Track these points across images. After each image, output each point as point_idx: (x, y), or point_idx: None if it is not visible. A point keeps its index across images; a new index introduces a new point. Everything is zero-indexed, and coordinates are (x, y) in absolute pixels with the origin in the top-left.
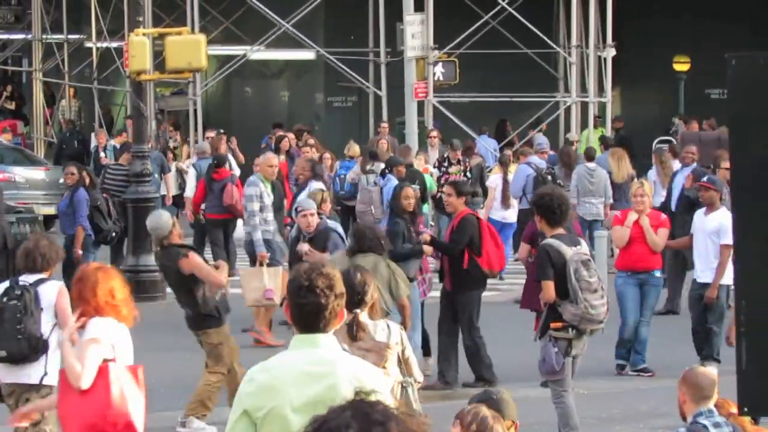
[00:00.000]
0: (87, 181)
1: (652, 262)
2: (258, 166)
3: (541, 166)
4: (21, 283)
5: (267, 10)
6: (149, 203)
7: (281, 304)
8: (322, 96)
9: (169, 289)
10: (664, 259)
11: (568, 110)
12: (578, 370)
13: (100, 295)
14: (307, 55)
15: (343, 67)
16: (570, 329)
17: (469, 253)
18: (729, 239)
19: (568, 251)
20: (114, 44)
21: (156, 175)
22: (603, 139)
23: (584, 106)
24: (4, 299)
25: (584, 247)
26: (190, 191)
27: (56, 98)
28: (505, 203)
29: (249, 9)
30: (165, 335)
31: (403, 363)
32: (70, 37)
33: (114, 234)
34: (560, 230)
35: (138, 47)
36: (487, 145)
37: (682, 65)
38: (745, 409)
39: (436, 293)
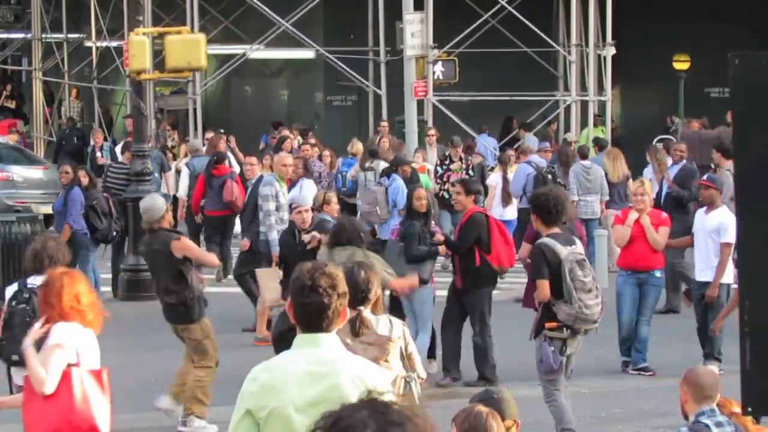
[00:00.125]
0: (86, 180)
1: (653, 261)
2: (248, 166)
3: (542, 165)
4: (29, 285)
5: (266, 9)
6: None
7: None
8: (322, 95)
9: None
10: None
11: (567, 109)
12: (579, 369)
13: (65, 300)
14: (307, 54)
15: (343, 66)
16: (565, 329)
17: (479, 251)
18: (729, 238)
19: (563, 251)
20: (113, 43)
21: (156, 174)
22: (596, 141)
23: (584, 105)
24: (13, 303)
25: (579, 246)
26: (182, 191)
27: (55, 97)
28: (505, 201)
29: (248, 8)
30: (164, 334)
31: (406, 358)
32: (69, 36)
33: (115, 233)
34: (556, 230)
35: (138, 46)
36: (486, 144)
37: (681, 64)
38: (749, 409)
39: (440, 292)
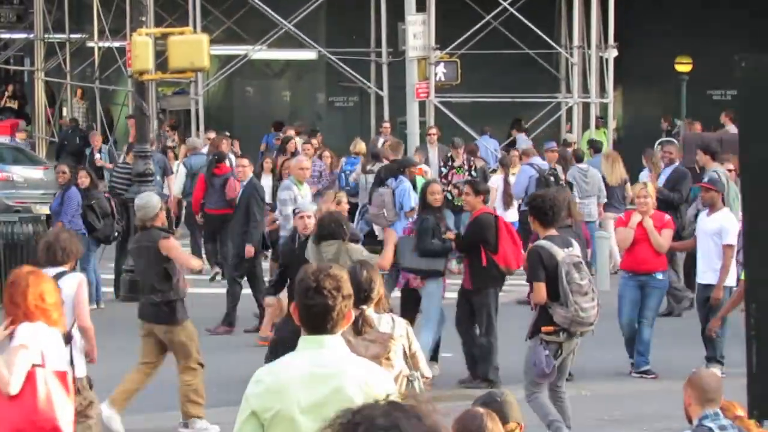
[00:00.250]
0: (87, 180)
1: (655, 263)
2: (240, 168)
3: (544, 167)
4: None
5: (269, 10)
6: None
7: None
8: (324, 96)
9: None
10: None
11: (569, 111)
12: (581, 371)
13: (30, 299)
14: (309, 54)
15: (345, 67)
16: (561, 333)
17: (486, 252)
18: (730, 240)
19: (560, 253)
20: (116, 44)
21: (158, 177)
22: (591, 143)
23: (586, 107)
24: None
25: (576, 249)
26: (177, 189)
27: (57, 98)
28: (506, 204)
29: (251, 9)
30: None
31: (409, 357)
32: (71, 36)
33: (116, 234)
34: (553, 232)
35: (141, 47)
36: (487, 146)
37: (684, 66)
38: (755, 413)
39: (451, 294)
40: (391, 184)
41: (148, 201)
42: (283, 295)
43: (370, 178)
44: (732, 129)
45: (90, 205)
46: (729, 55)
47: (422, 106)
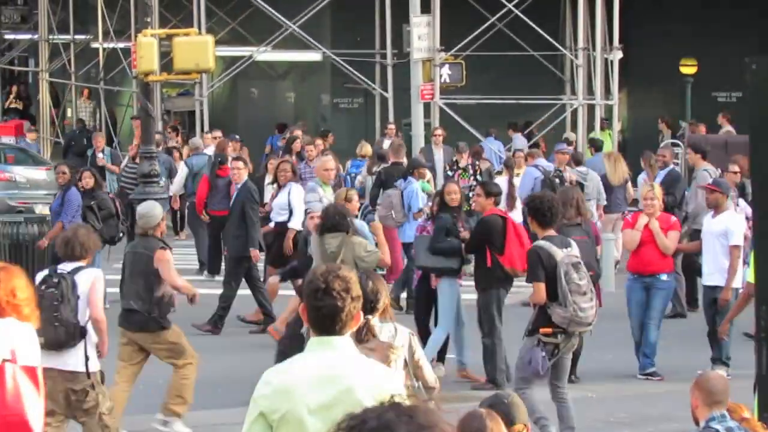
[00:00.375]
0: (91, 181)
1: (661, 265)
2: (235, 170)
3: (549, 168)
4: (59, 271)
5: (273, 11)
6: None
7: None
8: (329, 97)
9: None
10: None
11: (574, 113)
12: (587, 372)
13: (1, 294)
14: (314, 56)
15: (350, 68)
16: (558, 335)
17: (491, 253)
18: (736, 240)
19: (558, 253)
20: (120, 45)
21: (164, 178)
22: (592, 142)
23: (591, 109)
24: (42, 287)
25: (575, 249)
26: (176, 186)
27: (61, 99)
28: (510, 205)
29: (255, 10)
30: None
31: (411, 367)
32: (76, 37)
33: (122, 234)
34: (551, 232)
35: (146, 48)
36: (492, 147)
37: (689, 68)
38: (766, 414)
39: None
40: (400, 185)
41: (151, 210)
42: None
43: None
44: (729, 129)
45: (90, 206)
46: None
47: (427, 107)
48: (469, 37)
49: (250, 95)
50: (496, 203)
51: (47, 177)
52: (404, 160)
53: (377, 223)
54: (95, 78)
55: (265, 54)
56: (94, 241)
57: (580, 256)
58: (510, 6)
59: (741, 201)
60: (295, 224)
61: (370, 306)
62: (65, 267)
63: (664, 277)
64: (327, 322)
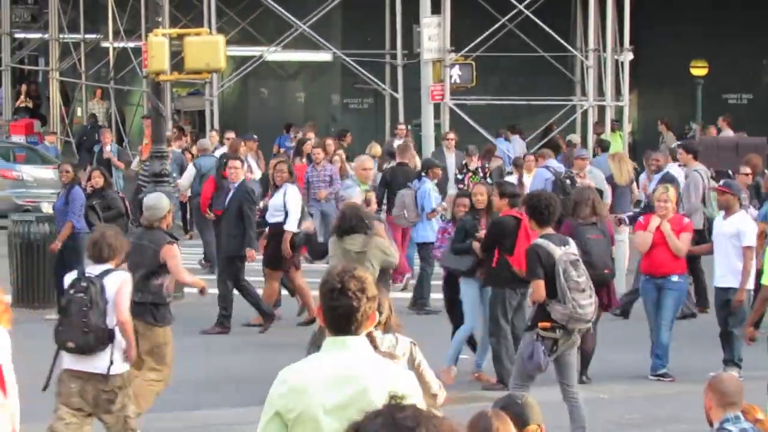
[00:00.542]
0: (101, 180)
1: (673, 267)
2: (232, 169)
3: (560, 170)
4: (87, 274)
5: (284, 12)
6: None
7: None
8: (339, 97)
9: (188, 289)
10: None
11: (585, 114)
12: (598, 373)
13: None
14: (324, 56)
15: (360, 68)
16: (557, 330)
17: (500, 253)
18: (749, 241)
19: (557, 251)
20: (131, 44)
21: (175, 175)
22: (599, 142)
23: (601, 110)
24: (71, 291)
25: (573, 247)
26: (184, 181)
27: (70, 98)
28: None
29: (266, 10)
30: (184, 336)
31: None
32: (86, 36)
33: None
34: (549, 230)
35: (157, 47)
36: (502, 147)
37: (699, 70)
38: None
39: None
40: (414, 185)
41: (158, 201)
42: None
43: None
44: (729, 133)
45: (92, 205)
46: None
47: (437, 108)
48: (480, 38)
49: (260, 95)
50: (512, 204)
51: (54, 176)
52: (415, 161)
53: (378, 222)
54: (105, 77)
55: (275, 54)
56: (122, 242)
57: (595, 253)
58: (520, 7)
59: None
60: (291, 226)
61: None
62: (93, 270)
63: (675, 278)
64: (342, 322)
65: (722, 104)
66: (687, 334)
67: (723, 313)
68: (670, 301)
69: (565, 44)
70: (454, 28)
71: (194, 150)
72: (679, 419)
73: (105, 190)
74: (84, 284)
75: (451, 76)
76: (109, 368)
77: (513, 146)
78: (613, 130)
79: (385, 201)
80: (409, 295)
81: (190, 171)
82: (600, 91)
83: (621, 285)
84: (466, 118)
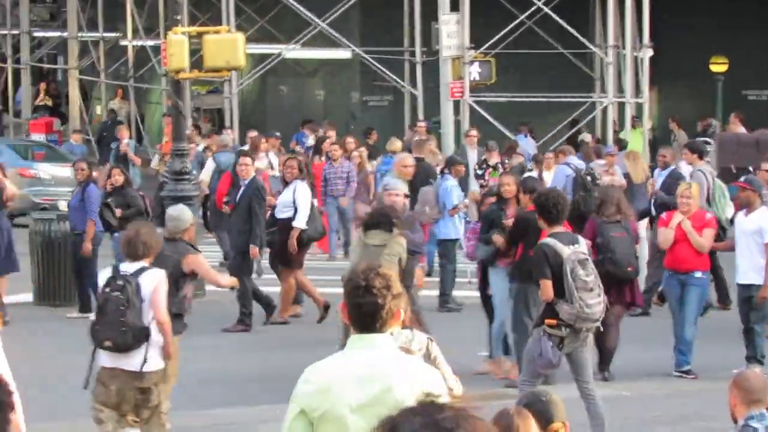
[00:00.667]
0: (121, 179)
1: (696, 263)
2: (243, 166)
3: (581, 166)
4: (122, 272)
5: (302, 9)
6: (188, 201)
7: None
8: (358, 95)
9: (208, 287)
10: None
11: (604, 111)
12: (621, 371)
13: None
14: (343, 54)
15: (379, 66)
16: (563, 328)
17: (524, 248)
18: None
19: (565, 250)
20: (149, 42)
21: (195, 173)
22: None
23: (621, 107)
24: (107, 290)
25: (582, 245)
26: (203, 176)
27: (89, 96)
28: None
29: (284, 8)
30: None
31: None
32: (105, 35)
33: None
34: (559, 228)
35: (176, 45)
36: (522, 144)
37: (719, 66)
38: None
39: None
40: (437, 181)
41: (181, 214)
42: None
43: None
44: (741, 130)
45: (107, 203)
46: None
47: (456, 105)
48: (499, 35)
49: (279, 93)
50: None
51: (71, 174)
52: (437, 158)
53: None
54: (124, 75)
55: (294, 52)
56: (156, 240)
57: (619, 251)
58: (539, 4)
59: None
60: (300, 222)
61: None
62: (128, 268)
63: (698, 274)
64: (367, 319)
65: (742, 101)
66: (708, 331)
67: (745, 309)
68: (694, 296)
69: (584, 41)
70: (473, 25)
71: (213, 146)
72: (701, 416)
73: (125, 188)
74: (120, 283)
75: (470, 74)
76: (143, 365)
77: (521, 145)
78: (633, 126)
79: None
80: (435, 292)
81: (210, 166)
82: (619, 88)
83: (641, 283)
84: (486, 115)
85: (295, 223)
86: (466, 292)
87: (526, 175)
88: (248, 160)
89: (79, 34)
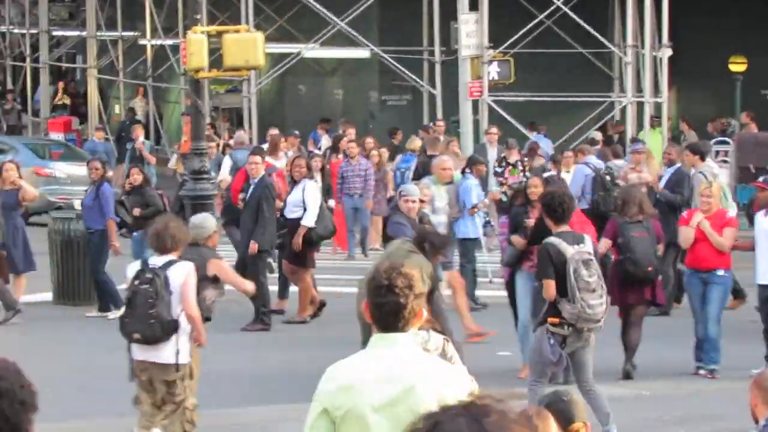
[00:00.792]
0: (140, 178)
1: (716, 262)
2: (252, 165)
3: (600, 166)
4: (151, 265)
5: (321, 8)
6: (207, 200)
7: None
8: (377, 94)
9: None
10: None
11: (623, 110)
12: (640, 370)
13: None
14: (362, 53)
15: (398, 65)
16: (566, 327)
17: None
18: None
19: (568, 250)
20: (168, 42)
21: (214, 173)
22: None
23: (640, 107)
24: (136, 282)
25: (588, 245)
26: (223, 174)
27: (107, 95)
28: None
29: (303, 7)
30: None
31: None
32: (124, 34)
33: None
34: (565, 228)
35: (196, 45)
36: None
37: (738, 66)
38: None
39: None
40: (457, 181)
41: (204, 221)
42: None
43: None
44: (753, 128)
45: (120, 201)
46: None
47: (475, 104)
48: (518, 35)
49: (298, 92)
50: None
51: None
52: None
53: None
54: (143, 75)
55: (312, 51)
56: (185, 234)
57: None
58: (558, 3)
59: None
60: (308, 221)
61: None
62: (156, 261)
63: (720, 272)
64: (390, 319)
65: (761, 100)
66: (728, 331)
67: (765, 309)
68: (716, 294)
69: (603, 40)
70: (491, 24)
71: (231, 142)
72: (721, 416)
73: (143, 187)
74: (149, 275)
75: (489, 73)
76: (173, 357)
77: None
78: (652, 126)
79: None
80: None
81: (227, 163)
82: (638, 88)
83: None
84: (505, 114)
85: (303, 222)
86: (489, 292)
87: (546, 174)
88: (258, 158)
89: (98, 33)
